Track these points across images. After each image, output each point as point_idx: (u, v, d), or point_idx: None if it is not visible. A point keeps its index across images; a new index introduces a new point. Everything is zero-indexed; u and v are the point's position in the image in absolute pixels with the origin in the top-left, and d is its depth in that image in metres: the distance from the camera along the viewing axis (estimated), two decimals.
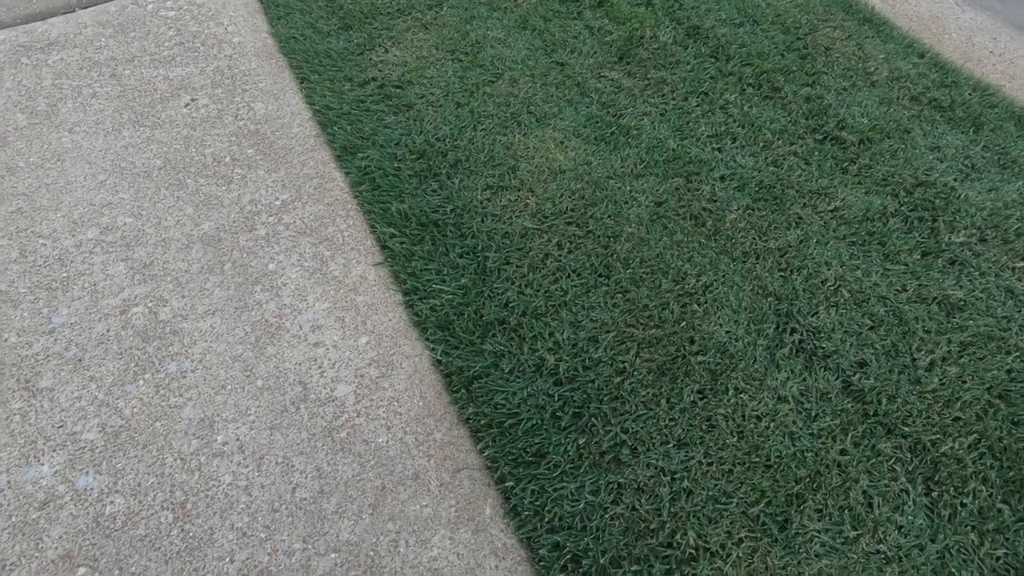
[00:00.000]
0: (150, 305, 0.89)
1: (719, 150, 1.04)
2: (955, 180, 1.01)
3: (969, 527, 0.68)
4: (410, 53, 1.19)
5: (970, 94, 1.15)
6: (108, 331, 0.86)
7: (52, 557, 0.69)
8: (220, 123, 1.13)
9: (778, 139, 1.06)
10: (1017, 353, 0.81)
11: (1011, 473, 0.72)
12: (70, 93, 1.16)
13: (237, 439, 0.78)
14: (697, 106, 1.11)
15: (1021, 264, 0.90)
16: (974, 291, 0.87)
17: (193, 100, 1.16)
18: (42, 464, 0.75)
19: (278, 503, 0.73)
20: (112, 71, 1.20)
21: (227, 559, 0.70)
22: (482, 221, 0.94)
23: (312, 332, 0.87)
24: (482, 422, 0.76)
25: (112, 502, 0.73)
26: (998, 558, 0.67)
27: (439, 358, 0.82)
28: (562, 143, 1.05)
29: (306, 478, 0.75)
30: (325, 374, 0.83)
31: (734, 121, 1.08)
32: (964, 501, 0.70)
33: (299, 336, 0.87)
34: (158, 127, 1.11)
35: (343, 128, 1.08)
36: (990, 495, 0.70)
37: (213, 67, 1.22)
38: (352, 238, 0.97)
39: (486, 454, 0.75)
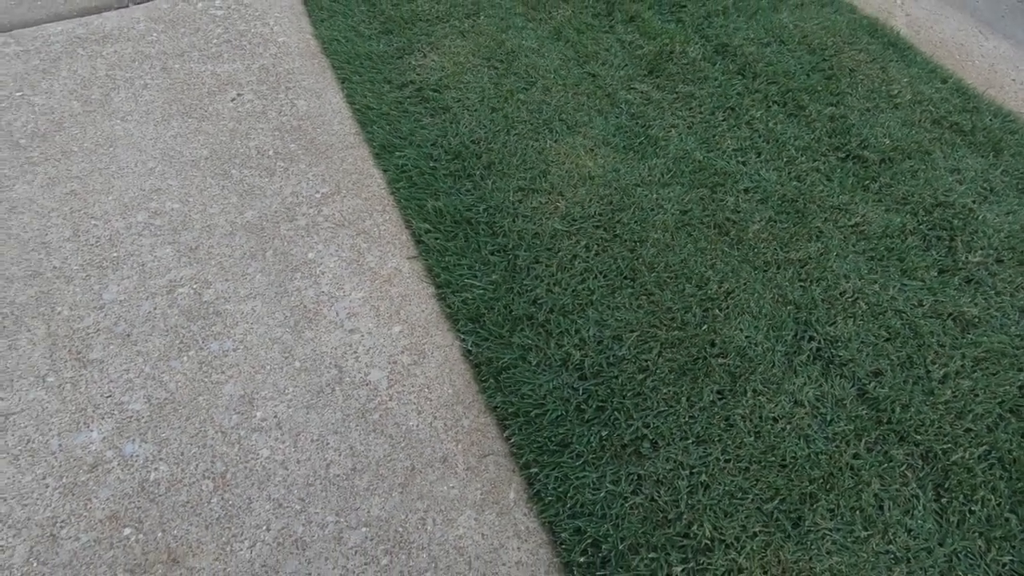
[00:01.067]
0: (195, 287, 0.94)
1: (744, 163, 1.08)
2: (974, 202, 1.04)
3: (977, 533, 0.71)
4: (447, 59, 1.24)
5: (991, 119, 1.18)
6: (155, 309, 0.91)
7: (100, 517, 0.73)
8: (264, 118, 1.18)
9: (801, 155, 1.09)
10: None
11: (1020, 484, 0.74)
12: (123, 84, 1.21)
13: (275, 416, 0.82)
14: (723, 120, 1.15)
15: None
16: (989, 309, 0.90)
17: (239, 95, 1.22)
18: (91, 430, 0.80)
19: (312, 478, 0.77)
20: (163, 64, 1.26)
21: (264, 527, 0.73)
22: (513, 221, 0.98)
23: (348, 319, 0.91)
24: (509, 411, 0.79)
25: (156, 469, 0.77)
26: (1004, 564, 0.69)
27: (469, 348, 0.86)
28: (592, 150, 1.09)
29: (340, 456, 0.79)
30: (360, 359, 0.87)
31: (759, 136, 1.12)
32: (973, 508, 0.72)
33: (335, 322, 0.91)
34: (205, 119, 1.17)
35: (382, 127, 1.13)
36: (998, 504, 0.73)
37: (259, 64, 1.27)
38: (388, 232, 1.01)
39: (512, 441, 0.78)
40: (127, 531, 0.73)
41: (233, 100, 1.21)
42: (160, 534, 0.72)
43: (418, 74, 1.21)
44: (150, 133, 1.13)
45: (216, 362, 0.86)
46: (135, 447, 0.79)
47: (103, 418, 0.81)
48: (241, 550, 0.72)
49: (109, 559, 0.70)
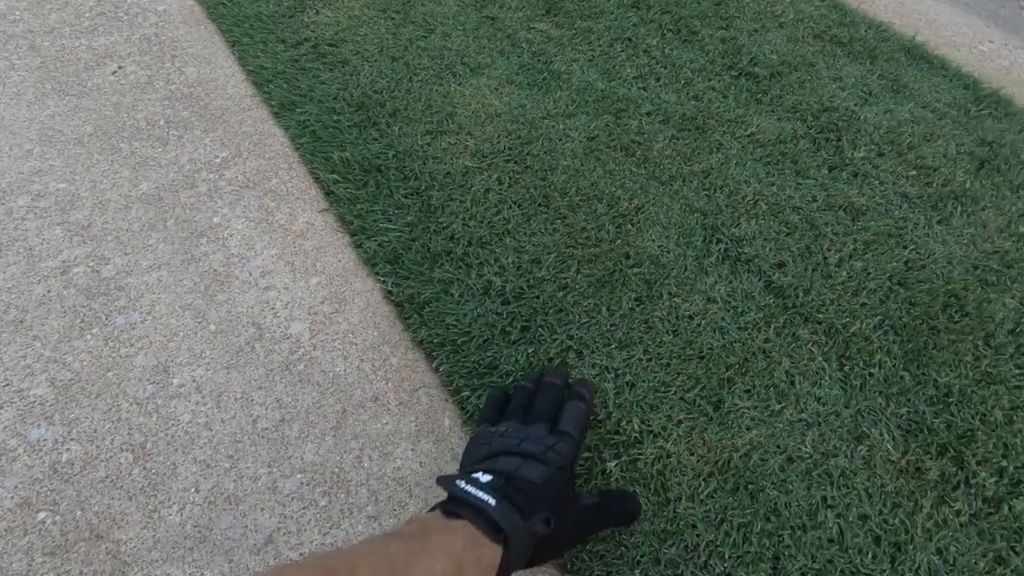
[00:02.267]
0: (92, 264, 0.88)
1: (644, 89, 1.11)
2: (855, 105, 1.10)
3: (877, 392, 0.77)
4: (342, 13, 1.21)
5: (866, 31, 1.25)
6: (49, 291, 0.85)
7: (9, 506, 0.69)
8: (151, 88, 1.11)
9: (697, 76, 1.13)
10: (912, 247, 0.91)
11: (910, 345, 0.80)
12: None
13: (194, 380, 0.79)
14: (622, 51, 1.17)
15: (913, 172, 1.00)
16: (874, 197, 0.97)
17: (120, 68, 1.14)
18: None
19: (240, 434, 0.75)
20: (30, 43, 1.16)
21: (192, 489, 0.71)
22: (424, 163, 0.97)
23: (262, 277, 0.88)
24: (435, 343, 0.79)
25: (68, 449, 0.73)
26: (901, 416, 0.75)
27: (390, 290, 0.85)
28: (497, 90, 1.09)
29: (266, 410, 0.77)
30: (278, 314, 0.85)
31: (657, 63, 1.15)
32: (872, 372, 0.78)
33: (249, 282, 0.88)
34: (85, 95, 1.09)
35: (279, 86, 1.09)
36: (893, 365, 0.79)
37: (139, 35, 1.20)
38: (296, 188, 0.98)
39: (441, 371, 0.78)
40: (42, 515, 0.68)
41: (114, 73, 1.13)
42: (79, 512, 0.69)
43: (312, 31, 1.17)
44: (23, 115, 1.05)
45: (123, 336, 0.82)
46: (41, 431, 0.74)
47: (2, 408, 0.75)
48: (170, 515, 0.69)
49: (24, 545, 0.66)
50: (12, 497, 0.69)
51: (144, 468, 0.72)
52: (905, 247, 0.91)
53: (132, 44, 1.18)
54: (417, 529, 0.45)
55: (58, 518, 0.68)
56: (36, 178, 0.97)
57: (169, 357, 0.80)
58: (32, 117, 1.05)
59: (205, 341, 0.82)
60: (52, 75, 1.11)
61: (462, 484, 0.49)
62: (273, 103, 1.06)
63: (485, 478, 0.50)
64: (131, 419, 0.75)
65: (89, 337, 0.81)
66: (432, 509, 0.50)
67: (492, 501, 0.47)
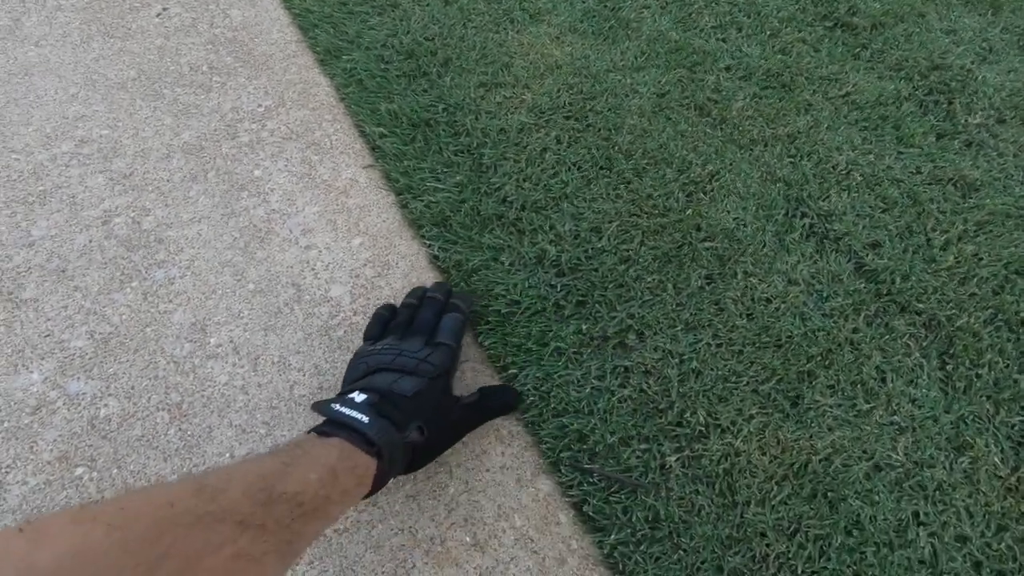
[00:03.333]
0: (132, 215, 0.85)
1: (723, 40, 0.99)
2: (972, 63, 0.96)
3: (984, 397, 0.67)
4: None
5: None
6: (91, 241, 0.83)
7: (48, 459, 0.68)
8: (195, 31, 1.06)
9: (786, 27, 1.00)
10: None
11: None
12: (33, 6, 1.09)
13: (231, 341, 0.75)
14: None
15: None
16: (991, 171, 0.84)
17: (165, 9, 1.10)
18: (31, 372, 0.73)
19: (276, 400, 0.72)
20: None
21: (227, 454, 0.68)
22: (476, 118, 0.89)
23: (303, 235, 0.84)
24: (481, 315, 0.73)
25: (106, 405, 0.71)
26: (1013, 425, 0.65)
27: (436, 254, 0.79)
28: (558, 38, 0.99)
29: (304, 376, 0.73)
30: (319, 276, 0.80)
31: (739, 10, 1.02)
32: (979, 373, 0.68)
33: (289, 240, 0.83)
34: (129, 38, 1.05)
35: (326, 31, 1.02)
36: (1006, 366, 0.69)
37: None
38: (340, 141, 0.92)
39: (487, 345, 0.72)
40: (79, 470, 0.67)
41: (159, 15, 1.09)
42: (116, 470, 0.67)
43: None
44: (69, 57, 1.02)
45: (162, 291, 0.79)
46: (81, 385, 0.72)
47: (43, 358, 0.74)
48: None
49: (63, 499, 0.65)
50: (52, 450, 0.68)
51: (180, 429, 0.70)
52: None
53: None
54: (292, 446, 0.46)
55: (95, 474, 0.67)
56: (80, 123, 0.94)
57: (207, 315, 0.77)
58: (77, 60, 1.02)
59: (243, 300, 0.78)
60: (97, 16, 1.08)
61: (336, 406, 0.51)
62: (319, 49, 1.00)
63: (360, 397, 0.52)
64: (168, 377, 0.73)
65: (128, 290, 0.79)
66: (308, 432, 0.51)
67: (365, 418, 0.49)
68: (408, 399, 0.54)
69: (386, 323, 0.66)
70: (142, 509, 0.33)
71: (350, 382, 0.59)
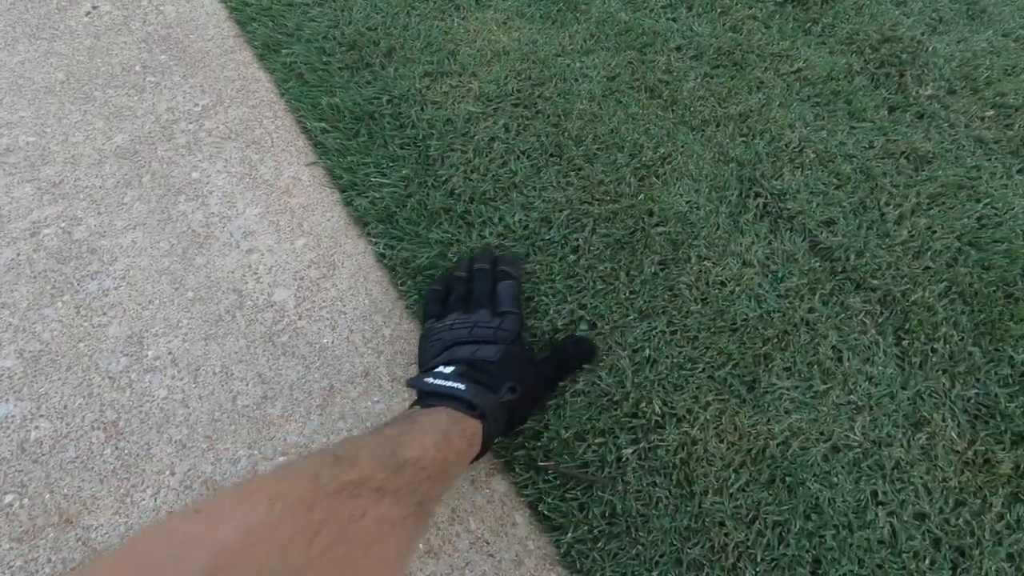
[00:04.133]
0: (63, 225, 0.81)
1: (674, 20, 0.97)
2: (923, 34, 0.95)
3: (940, 371, 0.66)
4: None
5: None
6: (18, 255, 0.79)
7: None
8: (127, 30, 1.01)
9: (736, 4, 0.98)
10: (987, 200, 0.78)
11: (981, 316, 0.69)
12: None
13: (169, 352, 0.72)
14: None
15: (991, 113, 0.86)
16: (943, 143, 0.83)
17: (95, 8, 1.04)
18: None
19: (219, 413, 0.68)
20: None
21: (167, 472, 0.65)
22: (422, 109, 0.86)
23: (244, 239, 0.80)
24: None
25: (37, 427, 0.67)
26: (969, 398, 0.65)
27: (383, 252, 0.76)
28: (505, 23, 0.96)
29: (247, 385, 0.70)
30: (261, 280, 0.77)
31: None
32: (935, 347, 0.67)
33: (230, 244, 0.80)
34: (57, 39, 1.00)
35: (264, 25, 0.98)
36: (960, 339, 0.68)
37: None
38: (282, 139, 0.88)
39: None
40: (9, 497, 0.64)
41: (88, 14, 1.04)
42: (48, 495, 0.64)
43: None
44: None
45: (95, 304, 0.75)
46: (9, 407, 0.68)
47: None
48: (143, 500, 0.63)
49: None
50: None
51: (116, 448, 0.66)
52: (978, 201, 0.78)
53: None
54: (401, 418, 0.50)
55: (26, 501, 0.63)
56: (5, 131, 0.89)
57: (144, 327, 0.74)
58: (1, 64, 0.96)
59: (182, 309, 0.75)
60: (22, 17, 1.02)
61: (429, 380, 0.53)
62: (257, 44, 0.96)
63: (448, 369, 0.55)
64: (103, 394, 0.69)
65: (60, 305, 0.75)
66: (410, 407, 0.54)
67: (461, 386, 0.51)
68: (495, 364, 0.56)
69: (443, 300, 0.66)
70: (294, 482, 0.35)
71: (429, 359, 0.60)
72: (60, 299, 0.75)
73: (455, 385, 0.51)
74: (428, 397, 0.52)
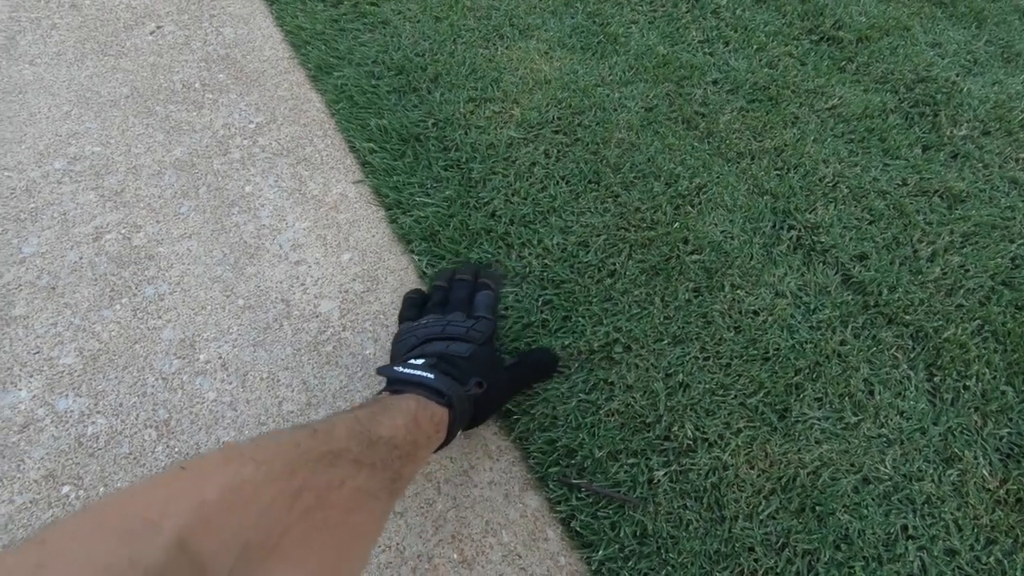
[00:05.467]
0: (123, 231, 0.86)
1: (711, 54, 1.00)
2: (957, 75, 0.97)
3: (972, 409, 0.67)
4: None
5: None
6: (81, 258, 0.83)
7: (35, 477, 0.67)
8: (188, 49, 1.07)
9: (772, 41, 1.01)
10: (1021, 241, 0.79)
11: (1015, 356, 0.70)
12: (28, 25, 1.10)
13: (220, 357, 0.75)
14: (687, 12, 1.06)
15: None
16: (977, 182, 0.84)
17: (159, 27, 1.11)
18: (20, 389, 0.73)
19: (265, 416, 0.71)
20: (71, 2, 1.14)
21: None
22: (465, 133, 0.90)
23: (293, 251, 0.84)
24: None
25: (94, 422, 0.71)
26: (1002, 437, 0.65)
27: (424, 270, 0.79)
28: (547, 54, 1.00)
29: (292, 391, 0.73)
30: (308, 291, 0.81)
31: (726, 25, 1.03)
32: (967, 384, 0.68)
33: (279, 255, 0.84)
34: (123, 56, 1.06)
35: (317, 48, 1.03)
36: (993, 378, 0.69)
37: None
38: (331, 157, 0.93)
39: None
40: (66, 488, 0.67)
41: (152, 33, 1.10)
42: (103, 488, 0.67)
43: None
44: (63, 75, 1.03)
45: (152, 307, 0.79)
46: (68, 402, 0.72)
47: (32, 375, 0.74)
48: None
49: (48, 518, 0.65)
50: (38, 468, 0.68)
51: (167, 446, 0.70)
52: (1012, 241, 0.79)
53: (171, 3, 1.14)
54: (372, 402, 0.51)
55: (81, 492, 0.67)
56: (73, 140, 0.95)
57: (196, 331, 0.77)
58: (71, 78, 1.03)
59: (233, 316, 0.79)
60: (92, 35, 1.09)
61: (399, 368, 0.55)
62: (310, 66, 1.01)
63: (419, 361, 0.56)
64: (156, 394, 0.73)
65: (118, 307, 0.79)
66: (379, 394, 0.55)
67: (431, 375, 0.53)
68: (464, 359, 0.58)
69: (420, 305, 0.68)
70: (277, 448, 0.36)
71: (402, 355, 0.61)
72: (119, 301, 0.80)
73: (425, 374, 0.53)
74: (398, 384, 0.53)
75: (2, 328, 0.77)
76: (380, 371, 0.56)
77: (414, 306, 0.69)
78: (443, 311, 0.65)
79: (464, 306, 0.66)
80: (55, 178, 0.91)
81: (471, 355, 0.58)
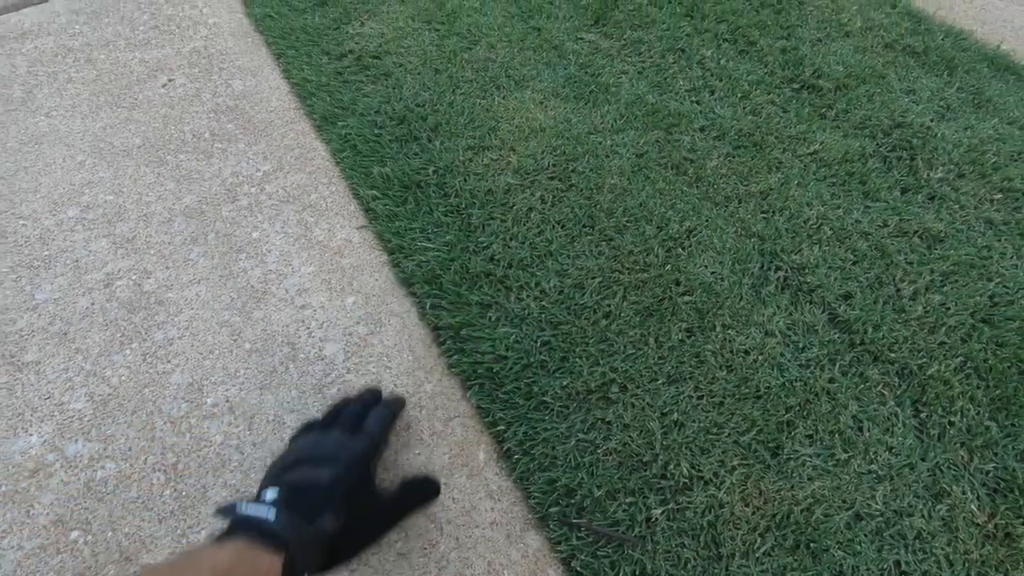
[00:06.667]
0: (134, 277, 0.89)
1: (698, 103, 1.05)
2: (931, 120, 1.02)
3: (958, 444, 0.69)
4: (387, 25, 1.19)
5: (943, 39, 1.16)
6: (92, 304, 0.86)
7: (44, 523, 0.69)
8: (198, 101, 1.12)
9: (755, 89, 1.06)
10: (999, 279, 0.82)
11: (997, 391, 0.72)
12: (45, 79, 1.15)
13: (227, 400, 0.77)
14: (674, 63, 1.11)
15: (999, 196, 0.91)
16: (954, 223, 0.88)
17: (170, 80, 1.16)
18: (30, 435, 0.75)
19: (271, 459, 0.72)
20: (87, 56, 1.19)
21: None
22: (464, 180, 0.94)
23: (298, 295, 0.87)
24: (470, 371, 0.76)
25: (103, 467, 0.72)
26: (988, 472, 0.67)
27: (426, 312, 0.82)
28: (542, 103, 1.05)
29: None
30: (313, 334, 0.83)
31: (711, 75, 1.09)
32: (952, 420, 0.70)
33: (285, 300, 0.86)
34: (136, 108, 1.11)
35: (322, 99, 1.08)
36: (977, 413, 0.71)
37: (189, 48, 1.22)
38: (335, 204, 0.96)
39: (475, 402, 0.74)
40: (74, 534, 0.68)
41: (164, 86, 1.15)
42: (111, 533, 0.68)
43: (356, 43, 1.16)
44: (77, 127, 1.07)
45: (161, 352, 0.82)
46: (78, 447, 0.74)
47: (43, 420, 0.76)
48: (199, 540, 0.67)
49: (56, 565, 0.66)
50: (47, 514, 0.69)
51: (175, 490, 0.71)
52: (990, 279, 0.82)
53: (182, 57, 1.20)
54: (183, 555, 0.48)
55: (90, 538, 0.68)
56: (86, 190, 0.98)
57: (204, 375, 0.80)
58: (85, 129, 1.07)
59: (240, 360, 0.81)
60: (106, 87, 1.14)
61: (241, 507, 0.50)
62: (315, 116, 1.06)
63: (270, 494, 0.51)
64: (165, 438, 0.75)
65: (128, 352, 0.81)
66: (221, 534, 0.50)
67: (271, 516, 0.48)
68: (322, 489, 0.52)
69: (311, 428, 0.64)
70: None
71: (266, 482, 0.56)
72: (129, 346, 0.82)
73: (264, 517, 0.47)
74: (233, 524, 0.48)
75: (14, 374, 0.79)
76: (218, 512, 0.50)
77: (305, 428, 0.65)
78: (327, 428, 0.62)
79: (351, 423, 0.62)
80: (68, 226, 0.94)
81: (332, 482, 0.53)
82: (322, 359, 0.81)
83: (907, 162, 0.96)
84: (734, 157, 0.96)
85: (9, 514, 0.69)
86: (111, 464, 0.73)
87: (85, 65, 1.17)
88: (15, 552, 0.67)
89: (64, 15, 1.28)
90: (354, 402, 0.67)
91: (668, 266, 0.82)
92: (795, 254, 0.84)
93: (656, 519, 0.64)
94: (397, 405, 0.70)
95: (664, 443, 0.69)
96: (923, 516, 0.64)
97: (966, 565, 0.62)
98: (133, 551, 0.67)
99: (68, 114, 1.09)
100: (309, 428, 0.65)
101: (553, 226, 0.88)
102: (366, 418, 0.64)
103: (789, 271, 0.83)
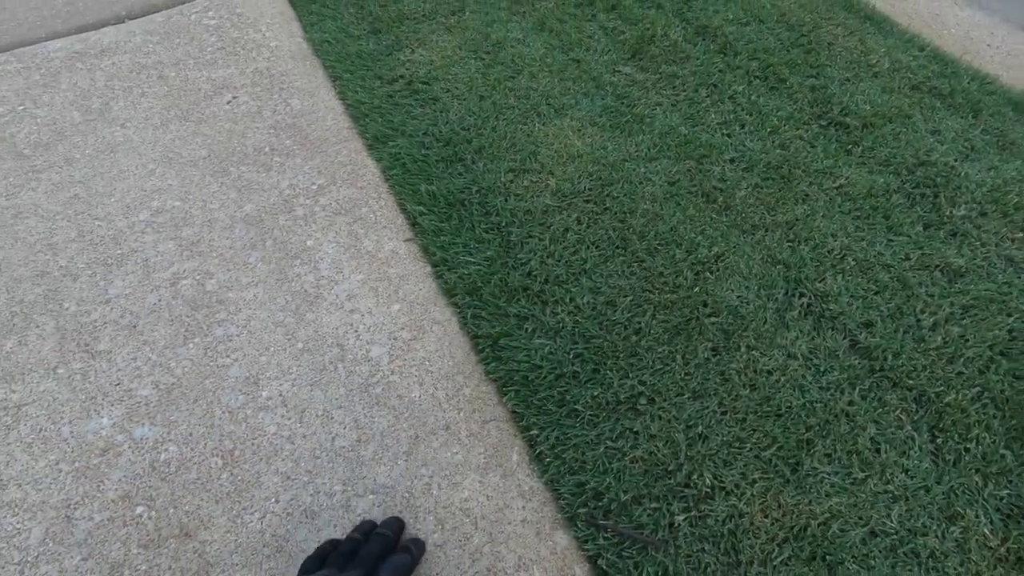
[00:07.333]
0: (198, 278, 0.96)
1: (728, 135, 1.10)
2: (955, 160, 1.06)
3: (973, 470, 0.72)
4: (435, 53, 1.27)
5: (969, 82, 1.20)
6: (159, 301, 0.93)
7: (112, 497, 0.75)
8: (259, 117, 1.21)
9: (784, 125, 1.12)
10: (1017, 315, 0.85)
11: (1013, 422, 0.75)
12: (121, 93, 1.25)
13: (280, 394, 0.84)
14: (707, 96, 1.17)
15: (1020, 235, 0.95)
16: (975, 259, 0.92)
17: (235, 98, 1.25)
18: (102, 417, 0.81)
19: (319, 451, 0.79)
20: (159, 73, 1.29)
21: (273, 499, 0.75)
22: (505, 200, 1.00)
23: (348, 300, 0.93)
24: (507, 378, 0.81)
25: (166, 450, 0.79)
26: (1002, 498, 0.70)
27: (467, 321, 0.88)
28: (579, 130, 1.12)
29: (345, 428, 0.80)
30: (361, 337, 0.89)
31: (742, 109, 1.14)
32: (968, 447, 0.73)
33: (336, 304, 0.93)
34: (202, 122, 1.20)
35: (374, 120, 1.16)
36: (993, 442, 0.74)
37: (252, 68, 1.31)
38: (384, 217, 1.03)
39: (511, 407, 0.80)
40: (139, 509, 0.74)
41: (229, 103, 1.24)
42: (172, 510, 0.74)
43: (407, 69, 1.25)
44: (149, 137, 1.17)
45: (221, 347, 0.88)
46: (144, 430, 0.80)
47: (112, 405, 0.83)
48: (252, 522, 0.73)
49: (123, 536, 0.72)
50: (116, 489, 0.75)
51: (231, 474, 0.77)
52: (1009, 314, 0.85)
53: (246, 76, 1.29)
54: None
55: (153, 513, 0.74)
56: (156, 195, 1.07)
57: (260, 370, 0.86)
58: (156, 140, 1.16)
59: (293, 357, 0.87)
60: (176, 102, 1.23)
61: None
62: (368, 136, 1.13)
63: None
64: (223, 426, 0.81)
65: (191, 346, 0.88)
66: None
67: None
68: None
69: (323, 557, 0.62)
70: None
71: None
72: (192, 341, 0.89)
73: None
74: None
75: (88, 361, 0.86)
76: None
77: (318, 557, 0.62)
78: (344, 565, 0.59)
79: (369, 563, 0.59)
80: (139, 228, 1.02)
81: None
82: (368, 360, 0.87)
83: (930, 199, 1.00)
84: (762, 188, 1.01)
85: (82, 487, 0.75)
86: (173, 447, 0.79)
87: (157, 81, 1.27)
88: (86, 523, 0.73)
89: (139, 35, 1.38)
90: (376, 537, 0.64)
91: (696, 288, 0.87)
92: (819, 282, 0.88)
93: (679, 525, 0.68)
94: (419, 550, 0.67)
95: (688, 454, 0.73)
96: (937, 536, 0.67)
97: None
98: (192, 527, 0.73)
99: (141, 125, 1.19)
100: (318, 556, 0.63)
101: (588, 246, 0.93)
102: (384, 559, 0.61)
103: (813, 298, 0.87)
